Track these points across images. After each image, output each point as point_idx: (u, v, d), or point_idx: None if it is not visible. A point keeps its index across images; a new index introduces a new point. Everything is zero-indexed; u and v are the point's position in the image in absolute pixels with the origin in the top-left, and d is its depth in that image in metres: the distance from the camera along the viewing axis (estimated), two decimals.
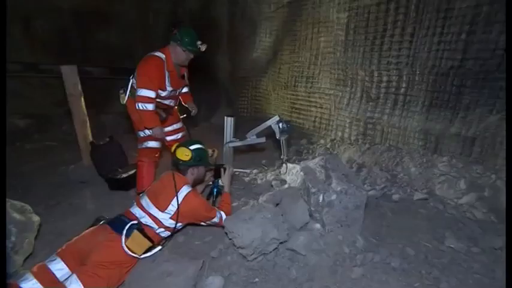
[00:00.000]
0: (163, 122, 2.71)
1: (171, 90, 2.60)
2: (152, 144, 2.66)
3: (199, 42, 2.47)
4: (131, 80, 2.54)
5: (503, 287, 1.51)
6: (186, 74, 2.76)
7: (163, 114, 2.70)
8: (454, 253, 1.84)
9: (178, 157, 2.01)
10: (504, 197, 2.24)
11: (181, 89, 2.82)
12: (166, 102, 2.66)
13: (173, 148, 2.07)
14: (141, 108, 2.37)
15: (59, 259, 1.60)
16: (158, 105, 2.58)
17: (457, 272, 1.69)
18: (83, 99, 3.19)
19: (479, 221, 2.16)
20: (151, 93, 2.36)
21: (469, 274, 1.68)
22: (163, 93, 2.53)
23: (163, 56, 2.42)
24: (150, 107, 2.38)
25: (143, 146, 2.67)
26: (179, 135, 2.89)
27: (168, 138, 2.81)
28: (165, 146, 2.81)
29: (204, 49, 2.51)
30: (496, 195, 2.31)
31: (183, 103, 2.96)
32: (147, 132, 2.58)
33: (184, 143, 2.12)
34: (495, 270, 1.68)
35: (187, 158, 2.00)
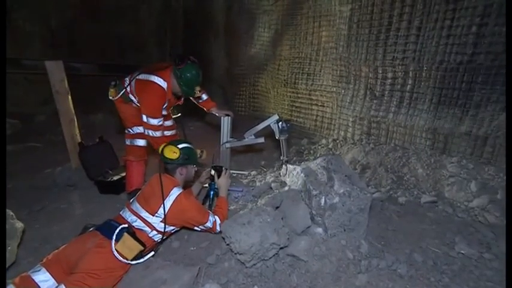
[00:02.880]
0: None
1: (165, 114, 2.66)
2: (141, 142, 2.71)
3: (197, 88, 2.56)
4: (126, 86, 2.55)
5: None
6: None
7: None
8: (465, 259, 1.84)
9: (166, 155, 2.02)
10: None
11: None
12: (167, 133, 2.79)
13: (160, 148, 2.08)
14: (151, 135, 2.50)
15: (44, 269, 1.59)
16: None
17: (468, 280, 1.69)
18: (70, 97, 3.18)
19: (491, 225, 2.15)
20: (158, 122, 2.49)
21: (481, 282, 1.67)
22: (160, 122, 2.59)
23: (165, 85, 2.46)
24: (158, 133, 2.52)
25: (131, 144, 2.71)
26: (169, 133, 2.93)
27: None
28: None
29: (198, 95, 2.68)
30: None
31: (206, 110, 3.05)
32: (136, 130, 2.65)
33: (171, 142, 2.14)
34: None
35: (175, 156, 2.02)
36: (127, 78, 2.59)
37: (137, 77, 2.48)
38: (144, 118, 2.45)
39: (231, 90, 5.47)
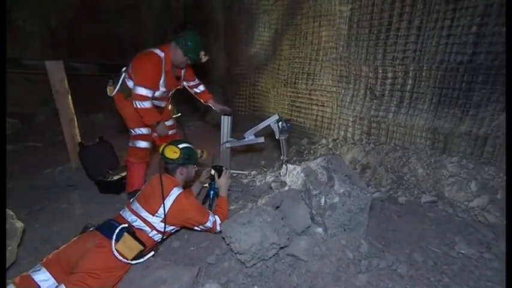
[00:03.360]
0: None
1: (164, 91, 2.63)
2: (142, 144, 2.69)
3: (202, 53, 2.51)
4: (123, 74, 2.55)
5: None
6: (182, 75, 2.80)
7: None
8: (465, 259, 1.84)
9: (167, 155, 2.02)
10: None
11: (174, 90, 2.84)
12: (156, 103, 2.67)
13: (161, 148, 2.08)
14: (138, 106, 2.40)
15: (44, 269, 1.59)
16: None
17: (468, 280, 1.69)
18: (70, 97, 3.18)
19: (491, 225, 2.15)
20: (148, 92, 2.40)
21: (481, 282, 1.67)
22: (156, 94, 2.56)
23: (162, 54, 2.44)
24: (147, 104, 2.42)
25: (133, 145, 2.69)
26: (170, 132, 2.94)
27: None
28: (155, 146, 2.87)
29: (205, 60, 2.55)
30: None
31: (203, 102, 3.06)
32: (139, 131, 2.64)
33: (172, 142, 2.14)
34: None
35: (175, 156, 2.02)
36: (123, 69, 2.58)
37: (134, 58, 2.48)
38: (135, 88, 2.37)
39: (231, 90, 5.47)
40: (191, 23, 2.50)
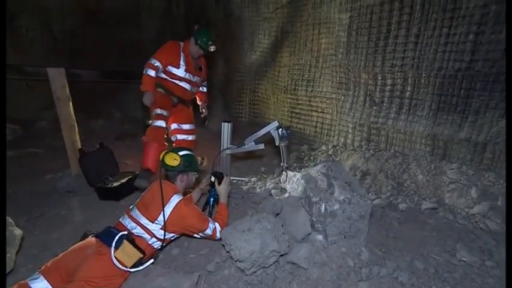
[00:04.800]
0: (174, 107, 3.16)
1: (186, 73, 3.06)
2: (159, 123, 2.95)
3: (210, 43, 3.03)
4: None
5: None
6: (203, 68, 3.30)
7: (175, 99, 3.14)
8: (467, 267, 1.82)
9: (167, 162, 2.02)
10: None
11: (200, 82, 3.33)
12: (182, 84, 3.09)
13: (161, 155, 2.08)
14: (144, 72, 2.86)
15: (42, 277, 1.57)
16: (174, 88, 3.08)
17: None
18: (71, 103, 3.19)
19: (492, 232, 2.14)
20: (156, 62, 2.89)
21: None
22: (178, 72, 3.02)
23: (181, 43, 3.05)
24: (150, 72, 2.87)
25: (152, 125, 2.96)
26: (189, 137, 3.27)
27: (179, 136, 3.25)
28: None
29: (212, 49, 3.08)
30: None
31: (197, 101, 3.48)
32: (158, 111, 2.96)
33: (172, 149, 2.14)
34: None
35: (176, 163, 2.02)
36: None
37: None
38: (149, 59, 2.90)
39: (231, 97, 5.49)
40: (206, 23, 3.05)
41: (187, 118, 3.27)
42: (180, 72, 3.02)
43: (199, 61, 3.20)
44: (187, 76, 3.08)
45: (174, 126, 3.28)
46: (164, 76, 3.03)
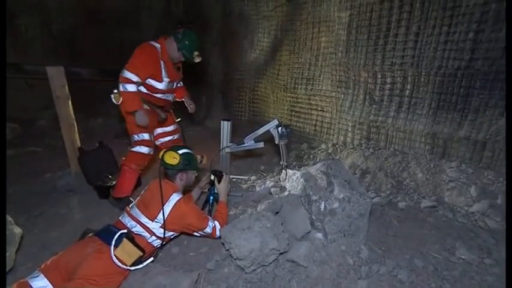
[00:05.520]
0: (163, 123, 2.81)
1: (169, 82, 2.65)
2: (144, 149, 2.65)
3: (196, 53, 2.57)
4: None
5: None
6: (180, 67, 2.83)
7: (163, 114, 2.77)
8: (466, 265, 1.83)
9: (166, 161, 2.01)
10: None
11: (178, 83, 2.89)
12: (165, 97, 2.70)
13: (161, 153, 2.07)
14: (121, 89, 2.39)
15: (42, 275, 1.57)
16: (157, 102, 2.68)
17: (469, 286, 1.68)
18: (70, 102, 3.18)
19: (492, 231, 2.15)
20: (133, 76, 2.38)
21: None
22: (161, 86, 2.59)
23: (158, 45, 2.51)
24: (130, 87, 2.39)
25: (133, 150, 2.65)
26: (175, 136, 2.99)
27: (165, 139, 2.92)
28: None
29: (198, 60, 2.62)
30: None
31: (177, 99, 3.01)
32: (142, 136, 2.62)
33: (172, 147, 2.14)
34: None
35: (175, 162, 2.01)
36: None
37: None
38: (122, 72, 2.39)
39: (231, 95, 5.48)
40: (192, 24, 2.56)
41: (169, 120, 2.93)
42: (163, 85, 2.60)
43: (178, 62, 2.73)
44: (169, 86, 2.68)
45: (158, 130, 2.90)
46: (143, 90, 2.59)
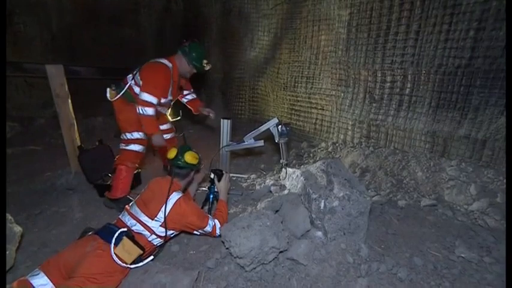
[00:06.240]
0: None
1: (170, 100, 2.76)
2: (137, 147, 2.68)
3: (205, 61, 2.69)
4: (130, 81, 2.56)
5: None
6: (186, 83, 2.97)
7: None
8: (465, 263, 1.83)
9: (188, 160, 2.07)
10: None
11: (190, 94, 3.08)
12: (160, 109, 2.74)
13: (172, 152, 2.10)
14: (141, 112, 2.43)
15: (42, 273, 1.57)
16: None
17: (468, 284, 1.68)
18: (70, 100, 3.18)
19: (491, 229, 2.15)
20: (153, 99, 2.44)
21: (481, 286, 1.67)
22: (163, 101, 2.64)
23: (170, 65, 2.55)
24: (150, 111, 2.45)
25: (127, 148, 2.67)
26: (168, 136, 3.03)
27: None
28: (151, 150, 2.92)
29: (208, 68, 2.75)
30: None
31: (194, 112, 3.12)
32: (137, 134, 2.64)
33: (183, 147, 2.17)
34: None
35: (195, 162, 2.12)
36: (129, 76, 2.60)
37: (142, 66, 2.54)
38: (141, 94, 2.42)
39: (231, 94, 5.48)
40: (195, 38, 2.71)
41: (163, 119, 2.94)
42: (166, 100, 2.69)
43: (181, 79, 2.82)
44: (167, 102, 2.75)
45: None
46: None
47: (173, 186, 1.97)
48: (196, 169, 2.22)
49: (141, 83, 2.49)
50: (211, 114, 3.05)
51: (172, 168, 2.08)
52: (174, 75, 2.60)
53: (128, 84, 2.55)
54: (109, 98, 2.58)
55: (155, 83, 2.46)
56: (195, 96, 3.12)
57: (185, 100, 3.11)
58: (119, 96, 2.54)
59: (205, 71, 2.78)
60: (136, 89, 2.54)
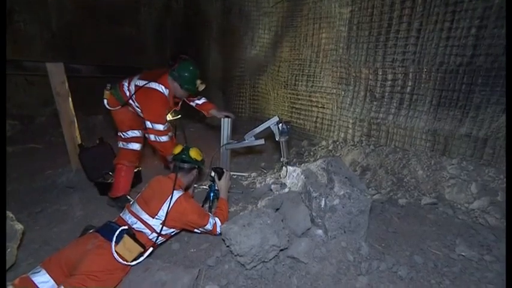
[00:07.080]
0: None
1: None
2: (136, 146, 2.71)
3: (199, 81, 2.58)
4: (125, 87, 2.54)
5: None
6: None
7: None
8: (466, 261, 1.84)
9: (193, 156, 2.16)
10: None
11: (200, 98, 3.02)
12: None
13: (177, 148, 2.20)
14: (156, 140, 2.46)
15: (43, 271, 1.58)
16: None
17: (469, 282, 1.68)
18: (70, 98, 3.18)
19: (492, 227, 2.15)
20: (162, 126, 2.45)
21: (482, 284, 1.67)
22: None
23: (166, 92, 2.46)
24: (164, 138, 2.47)
25: (125, 147, 2.69)
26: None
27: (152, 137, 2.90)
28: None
29: (201, 89, 2.64)
30: None
31: (206, 115, 3.05)
32: (132, 133, 2.67)
33: (188, 146, 2.25)
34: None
35: (200, 158, 2.21)
36: (125, 83, 2.55)
37: (138, 84, 2.47)
38: (149, 124, 2.43)
39: (231, 92, 5.48)
40: (183, 55, 2.54)
41: None
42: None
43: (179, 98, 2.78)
44: None
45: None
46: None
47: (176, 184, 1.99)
48: (199, 166, 2.26)
49: (136, 102, 2.48)
50: (229, 116, 2.97)
51: (177, 163, 2.12)
52: (170, 100, 2.54)
53: (123, 94, 2.54)
54: (105, 99, 2.57)
55: (158, 112, 2.45)
56: (205, 100, 3.02)
57: (194, 104, 3.04)
58: (118, 107, 2.56)
59: (199, 92, 2.70)
60: (131, 101, 2.52)
